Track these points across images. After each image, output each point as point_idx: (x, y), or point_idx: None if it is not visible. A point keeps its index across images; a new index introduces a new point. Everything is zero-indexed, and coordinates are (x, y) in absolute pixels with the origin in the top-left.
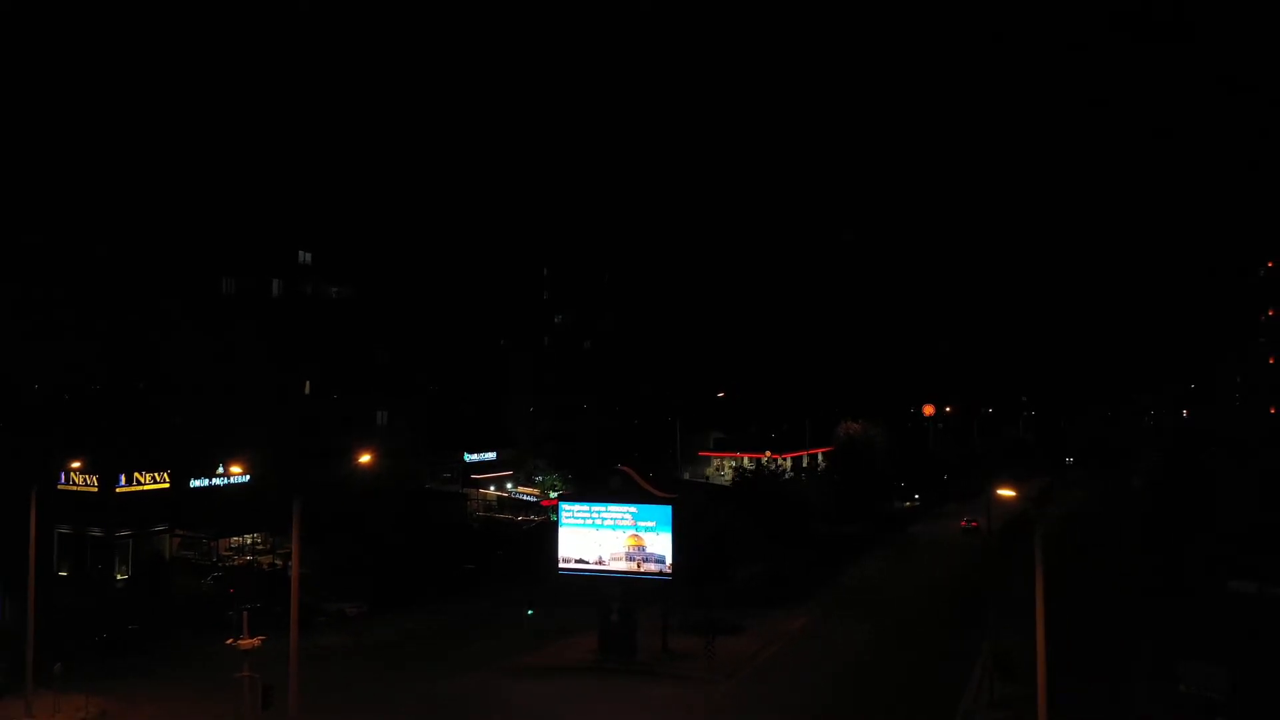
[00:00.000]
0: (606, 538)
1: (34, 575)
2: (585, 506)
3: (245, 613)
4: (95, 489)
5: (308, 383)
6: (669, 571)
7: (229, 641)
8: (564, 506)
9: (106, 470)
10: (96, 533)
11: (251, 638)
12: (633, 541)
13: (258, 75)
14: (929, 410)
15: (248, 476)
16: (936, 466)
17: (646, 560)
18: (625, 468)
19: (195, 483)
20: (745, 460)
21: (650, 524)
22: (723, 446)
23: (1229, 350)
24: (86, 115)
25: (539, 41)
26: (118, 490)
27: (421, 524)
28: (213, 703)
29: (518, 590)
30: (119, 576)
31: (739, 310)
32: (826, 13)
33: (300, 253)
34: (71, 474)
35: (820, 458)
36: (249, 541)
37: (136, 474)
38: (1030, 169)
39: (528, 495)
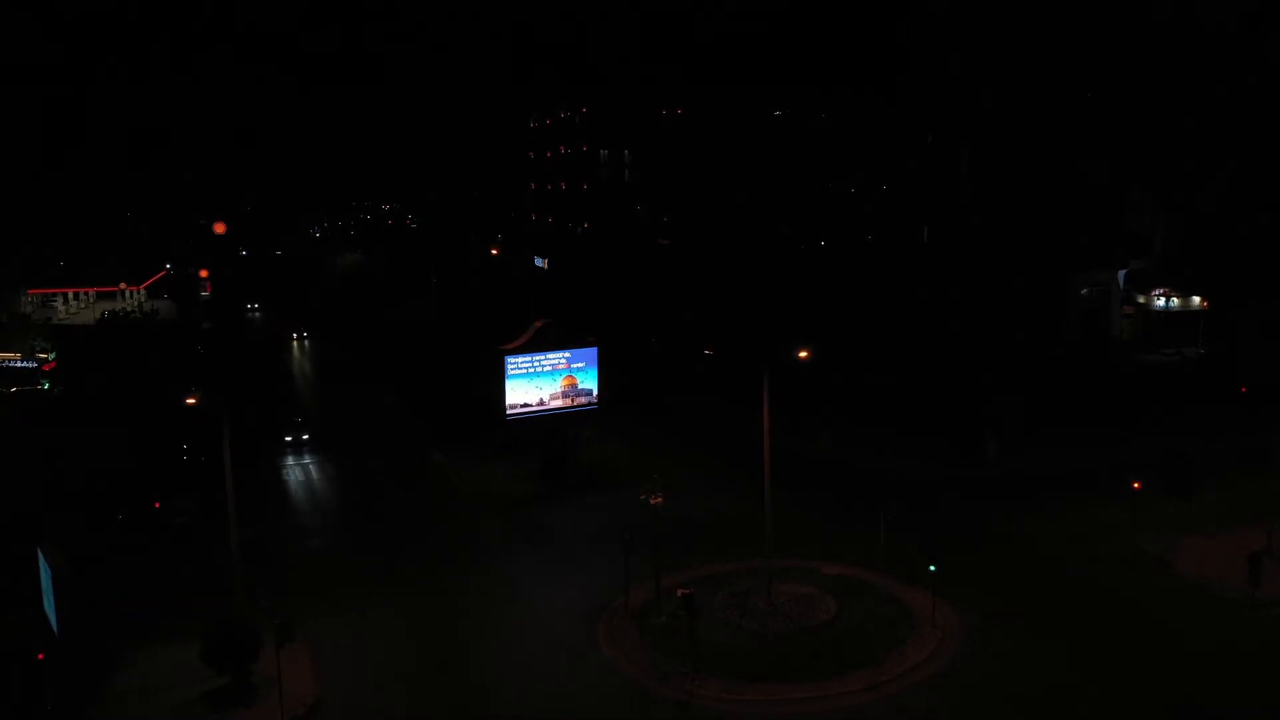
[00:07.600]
0: (545, 383)
1: None
2: (528, 357)
3: None
4: None
5: None
6: (596, 401)
7: None
8: (509, 360)
9: None
10: None
11: None
12: (567, 382)
13: None
14: None
15: None
16: None
17: (579, 395)
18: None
19: None
20: None
21: (581, 364)
22: None
23: None
24: None
25: None
26: None
27: None
28: None
29: None
30: None
31: None
32: None
33: None
34: None
35: None
36: None
37: None
38: None
39: None
